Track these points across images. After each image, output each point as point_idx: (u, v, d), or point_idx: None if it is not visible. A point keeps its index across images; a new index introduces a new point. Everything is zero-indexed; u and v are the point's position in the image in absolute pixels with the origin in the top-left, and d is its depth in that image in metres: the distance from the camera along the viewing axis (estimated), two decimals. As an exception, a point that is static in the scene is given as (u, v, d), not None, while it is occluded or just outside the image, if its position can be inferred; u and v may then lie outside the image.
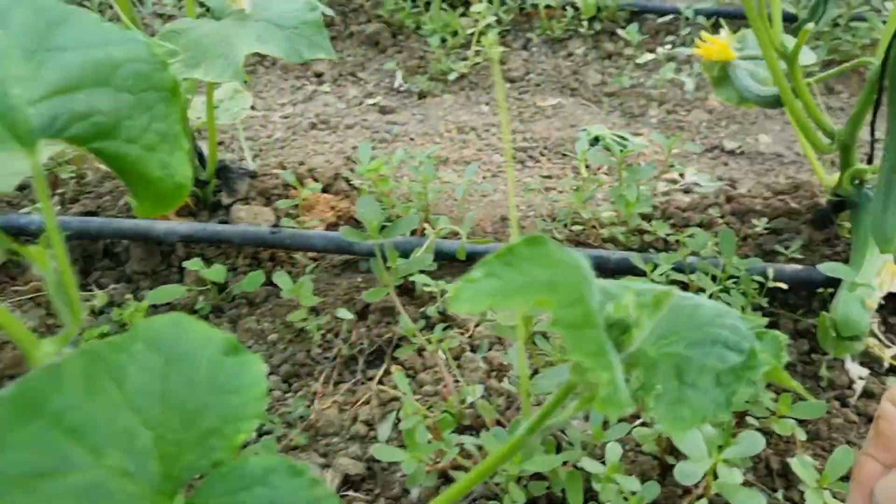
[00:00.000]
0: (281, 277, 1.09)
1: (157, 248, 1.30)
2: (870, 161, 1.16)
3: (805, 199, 1.30)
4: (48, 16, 0.48)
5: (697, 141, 1.79)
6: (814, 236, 1.22)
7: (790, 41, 1.23)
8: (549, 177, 1.66)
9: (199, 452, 0.39)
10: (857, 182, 1.15)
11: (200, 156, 1.32)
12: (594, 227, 1.32)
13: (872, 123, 1.10)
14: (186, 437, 0.39)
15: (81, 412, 0.38)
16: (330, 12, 1.09)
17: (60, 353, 0.46)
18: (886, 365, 1.06)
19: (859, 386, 1.03)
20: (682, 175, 1.68)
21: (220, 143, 1.77)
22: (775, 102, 1.20)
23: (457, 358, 1.06)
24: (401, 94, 2.03)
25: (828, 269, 0.96)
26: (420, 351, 1.08)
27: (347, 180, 1.48)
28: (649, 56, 2.10)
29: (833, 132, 1.13)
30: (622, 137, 1.76)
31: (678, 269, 1.15)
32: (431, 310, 1.13)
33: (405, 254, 1.21)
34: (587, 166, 1.70)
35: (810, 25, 1.01)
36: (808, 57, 1.24)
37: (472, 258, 1.24)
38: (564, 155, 1.77)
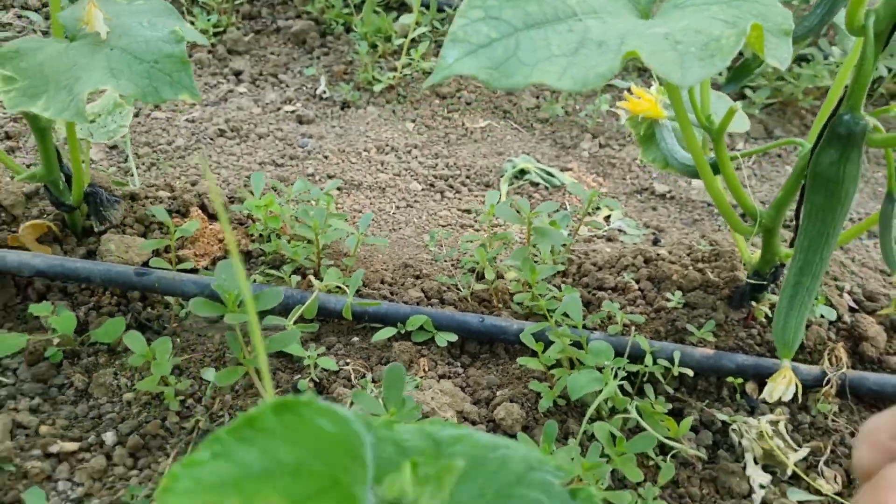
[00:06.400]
0: (132, 338, 0.96)
1: (10, 279, 1.15)
2: (791, 246, 1.08)
3: (725, 270, 1.21)
4: None
5: (628, 180, 1.70)
6: (730, 315, 1.14)
7: (721, 104, 1.14)
8: (468, 211, 1.55)
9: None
10: (774, 269, 1.07)
11: (68, 177, 1.17)
12: (500, 287, 1.22)
13: (797, 210, 1.02)
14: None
15: None
16: (203, 41, 0.95)
17: None
18: (790, 472, 0.99)
19: (759, 496, 0.96)
20: (607, 219, 1.59)
21: (114, 148, 1.61)
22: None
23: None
24: (322, 103, 1.89)
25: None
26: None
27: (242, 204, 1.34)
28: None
29: (756, 213, 1.04)
30: (548, 173, 1.66)
31: (576, 346, 1.06)
32: (302, 384, 1.02)
33: (287, 309, 1.10)
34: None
35: (737, 104, 0.92)
36: (740, 124, 1.15)
37: (360, 317, 1.13)
38: (488, 186, 1.66)
